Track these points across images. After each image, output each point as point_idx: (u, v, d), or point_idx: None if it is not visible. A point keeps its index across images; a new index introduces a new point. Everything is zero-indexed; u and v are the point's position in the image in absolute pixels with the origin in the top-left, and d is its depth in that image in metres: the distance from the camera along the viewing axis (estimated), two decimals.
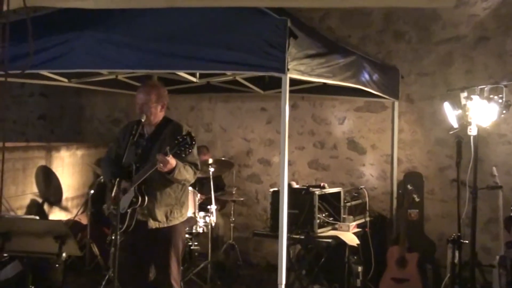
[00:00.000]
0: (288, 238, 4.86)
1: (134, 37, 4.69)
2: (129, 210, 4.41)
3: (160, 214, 4.51)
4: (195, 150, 4.60)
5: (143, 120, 4.48)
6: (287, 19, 4.28)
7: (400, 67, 7.13)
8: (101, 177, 6.72)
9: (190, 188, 6.15)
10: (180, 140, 4.19)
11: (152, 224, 4.49)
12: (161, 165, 4.22)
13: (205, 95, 8.29)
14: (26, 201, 7.01)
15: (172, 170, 4.29)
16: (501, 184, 6.10)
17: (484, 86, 5.64)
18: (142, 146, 4.55)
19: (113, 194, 4.39)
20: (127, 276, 4.60)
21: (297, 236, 5.80)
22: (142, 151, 4.52)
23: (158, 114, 4.64)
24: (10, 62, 4.65)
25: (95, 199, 6.61)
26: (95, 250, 6.73)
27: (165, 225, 4.54)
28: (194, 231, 6.33)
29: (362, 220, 6.44)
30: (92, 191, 6.76)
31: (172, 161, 4.24)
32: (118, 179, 4.24)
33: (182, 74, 6.17)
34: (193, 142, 4.24)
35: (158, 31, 4.69)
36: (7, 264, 5.20)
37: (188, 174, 4.47)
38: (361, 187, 6.83)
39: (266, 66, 4.36)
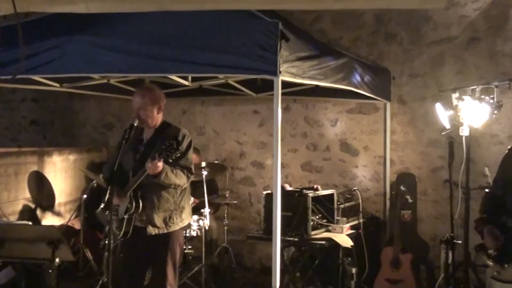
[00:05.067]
0: (282, 241, 4.86)
1: (125, 41, 4.68)
2: (125, 216, 4.41)
3: (158, 220, 4.49)
4: (189, 154, 4.61)
5: (135, 124, 4.48)
6: (279, 22, 4.29)
7: (391, 69, 7.15)
8: (94, 181, 6.71)
9: None
10: (168, 145, 4.21)
11: (151, 230, 4.48)
12: (149, 166, 4.25)
13: (198, 99, 8.29)
14: (19, 206, 6.98)
15: (159, 173, 4.29)
16: None
17: (475, 87, 5.67)
18: (140, 152, 4.55)
19: (105, 199, 4.38)
20: (123, 280, 4.59)
21: (291, 239, 5.81)
22: (140, 157, 4.52)
23: (156, 117, 4.64)
24: (1, 68, 4.66)
25: (88, 204, 6.59)
26: (89, 255, 6.71)
27: (164, 231, 4.53)
28: (188, 234, 6.32)
29: (356, 222, 6.45)
30: (85, 196, 6.73)
31: (160, 164, 4.26)
32: (110, 185, 4.22)
33: (174, 77, 6.17)
34: (179, 148, 4.24)
35: (150, 35, 4.68)
36: (0, 270, 5.18)
37: (178, 179, 4.47)
38: (354, 188, 6.84)
39: (258, 68, 4.37)
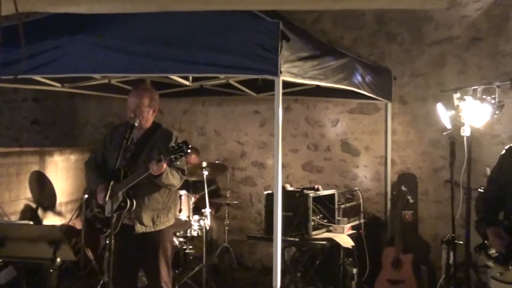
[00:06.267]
0: (283, 241, 4.86)
1: (126, 41, 4.69)
2: (115, 214, 4.41)
3: (146, 218, 4.53)
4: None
5: (136, 125, 4.47)
6: (280, 22, 4.29)
7: (393, 69, 7.14)
8: None
9: (184, 192, 6.16)
10: (176, 148, 4.22)
11: (139, 228, 4.51)
12: (154, 168, 4.26)
13: (199, 99, 8.29)
14: (20, 206, 6.98)
15: (160, 174, 4.31)
16: None
17: (477, 87, 5.65)
18: (131, 151, 4.54)
19: (107, 197, 4.36)
20: (116, 279, 4.60)
21: (292, 239, 5.81)
22: (131, 156, 4.52)
23: (149, 119, 4.64)
24: (2, 67, 4.66)
25: (89, 203, 6.58)
26: (90, 254, 6.71)
27: (152, 230, 4.57)
28: (188, 234, 6.33)
29: (357, 222, 6.44)
30: (86, 196, 6.71)
31: (164, 166, 4.27)
32: (112, 183, 4.21)
33: (175, 77, 6.17)
34: (189, 150, 4.26)
35: (150, 35, 4.68)
36: (1, 270, 5.19)
37: (174, 180, 4.50)
38: (355, 189, 6.83)
39: (259, 69, 4.37)
